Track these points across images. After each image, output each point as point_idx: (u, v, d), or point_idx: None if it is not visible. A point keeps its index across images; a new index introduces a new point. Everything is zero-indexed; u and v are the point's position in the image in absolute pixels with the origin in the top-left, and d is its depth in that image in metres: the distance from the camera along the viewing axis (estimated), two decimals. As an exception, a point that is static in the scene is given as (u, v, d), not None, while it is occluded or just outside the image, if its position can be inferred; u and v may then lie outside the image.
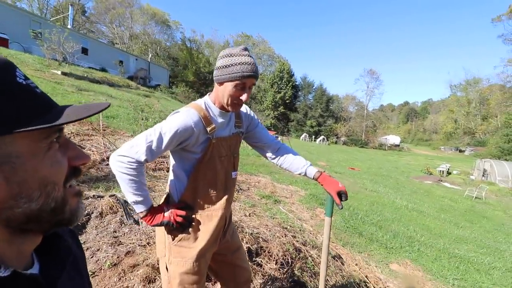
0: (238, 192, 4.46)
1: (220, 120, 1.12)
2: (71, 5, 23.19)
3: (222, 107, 1.11)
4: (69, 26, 19.95)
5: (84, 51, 18.75)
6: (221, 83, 1.06)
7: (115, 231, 2.37)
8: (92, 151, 4.29)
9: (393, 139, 47.73)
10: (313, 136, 39.52)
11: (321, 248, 2.83)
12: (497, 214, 8.65)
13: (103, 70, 19.25)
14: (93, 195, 2.79)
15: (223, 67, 1.03)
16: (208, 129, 1.06)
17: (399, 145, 46.96)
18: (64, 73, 11.57)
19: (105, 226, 2.44)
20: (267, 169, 7.58)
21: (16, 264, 0.35)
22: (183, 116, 1.02)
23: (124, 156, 0.95)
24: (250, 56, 1.04)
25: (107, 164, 3.86)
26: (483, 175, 16.53)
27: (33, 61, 11.91)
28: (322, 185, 1.27)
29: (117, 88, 14.54)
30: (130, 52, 29.37)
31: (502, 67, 40.61)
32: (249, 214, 3.36)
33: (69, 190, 0.40)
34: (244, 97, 1.05)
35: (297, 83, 45.46)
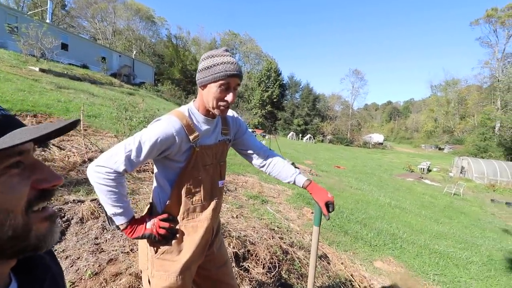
0: (225, 193, 4.43)
1: (204, 127, 1.08)
2: (49, -2, 22.13)
3: (207, 113, 1.08)
4: (47, 21, 19.06)
5: (64, 46, 17.96)
6: (204, 86, 1.02)
7: (96, 238, 2.28)
8: (73, 152, 4.12)
9: (377, 137, 49.09)
10: (300, 135, 39.98)
11: (309, 250, 2.87)
12: (474, 209, 9.09)
13: (84, 67, 18.52)
14: (73, 200, 2.68)
15: (205, 68, 1.01)
16: (191, 137, 1.02)
17: (382, 143, 48.38)
18: (42, 70, 11.05)
19: (86, 232, 2.34)
20: (255, 169, 7.57)
21: None
22: (164, 124, 0.98)
23: (102, 167, 0.91)
24: (232, 57, 1.02)
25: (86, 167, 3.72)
26: (461, 172, 17.33)
27: (8, 56, 11.30)
28: (311, 194, 1.25)
29: (99, 86, 14.04)
30: (113, 48, 28.44)
31: (479, 69, 42.76)
32: (237, 215, 3.34)
33: (36, 215, 0.38)
34: (229, 97, 1.01)
35: (284, 82, 45.79)
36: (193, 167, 1.05)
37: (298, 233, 3.39)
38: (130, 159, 0.93)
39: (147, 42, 40.10)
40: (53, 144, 4.26)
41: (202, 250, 1.13)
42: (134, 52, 30.32)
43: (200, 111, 1.08)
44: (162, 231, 1.02)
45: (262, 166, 1.33)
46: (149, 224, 1.02)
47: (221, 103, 1.02)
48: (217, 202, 1.16)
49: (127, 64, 24.54)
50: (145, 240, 1.07)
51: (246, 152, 1.32)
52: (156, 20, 42.69)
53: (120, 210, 0.95)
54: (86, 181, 3.28)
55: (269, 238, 2.60)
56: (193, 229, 1.09)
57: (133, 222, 1.00)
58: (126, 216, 0.98)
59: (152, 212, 1.10)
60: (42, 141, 0.38)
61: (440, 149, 45.62)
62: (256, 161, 1.32)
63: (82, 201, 2.69)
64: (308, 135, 38.30)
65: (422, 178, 15.26)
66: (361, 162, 18.60)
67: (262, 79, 41.95)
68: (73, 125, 0.38)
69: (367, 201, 6.72)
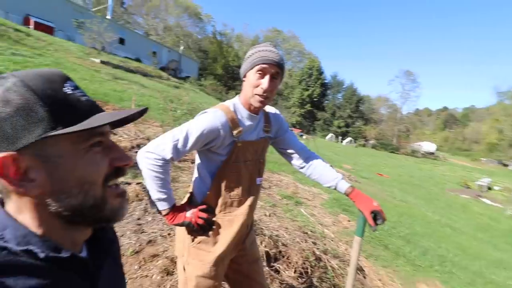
0: (259, 189, 4.42)
1: (247, 123, 1.08)
2: (111, -4, 24.41)
3: (249, 108, 1.08)
4: (108, 17, 21.06)
5: (121, 41, 19.74)
6: (244, 76, 1.05)
7: (139, 219, 2.44)
8: (124, 138, 4.48)
9: (428, 146, 44.57)
10: (340, 137, 38.31)
11: (344, 259, 2.70)
12: (545, 239, 7.74)
13: (137, 60, 20.13)
14: (121, 182, 2.89)
15: (246, 59, 1.04)
16: (235, 132, 1.03)
17: (434, 153, 43.82)
18: (102, 62, 12.28)
19: (130, 213, 2.51)
20: (290, 168, 7.44)
21: (71, 249, 0.40)
22: (210, 117, 1.01)
23: (151, 153, 0.96)
24: (275, 49, 1.02)
25: (136, 152, 4.00)
26: (530, 194, 14.90)
27: (75, 49, 12.77)
28: (354, 202, 1.16)
29: (149, 78, 15.14)
30: (163, 43, 30.38)
31: None
32: (269, 214, 3.29)
33: (111, 190, 0.43)
34: (264, 83, 0.98)
35: (326, 81, 44.22)
36: (234, 162, 1.06)
37: (332, 241, 3.22)
38: (177, 148, 0.97)
39: (193, 38, 42.03)
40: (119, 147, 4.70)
41: (236, 245, 1.14)
42: (182, 47, 31.99)
43: (244, 106, 1.08)
44: (200, 221, 1.03)
45: (302, 167, 1.28)
46: (189, 213, 1.04)
47: (256, 90, 1.00)
48: (253, 199, 1.15)
49: (175, 59, 26.04)
50: (183, 228, 1.09)
51: (286, 152, 1.28)
52: (203, 17, 44.45)
53: (164, 196, 0.99)
54: (133, 166, 3.51)
55: (302, 242, 2.50)
56: (229, 223, 1.10)
57: (175, 209, 1.03)
58: (169, 202, 1.01)
59: (191, 202, 1.12)
60: (116, 125, 0.46)
61: (504, 165, 39.89)
62: (296, 161, 1.28)
63: (129, 183, 2.89)
64: (349, 138, 36.54)
65: (481, 196, 13.48)
66: (408, 172, 17.14)
67: (303, 77, 41.06)
68: (143, 113, 0.45)
69: (413, 215, 6.14)
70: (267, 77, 0.99)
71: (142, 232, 2.26)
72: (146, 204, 2.72)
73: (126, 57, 18.64)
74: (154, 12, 38.66)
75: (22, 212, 0.38)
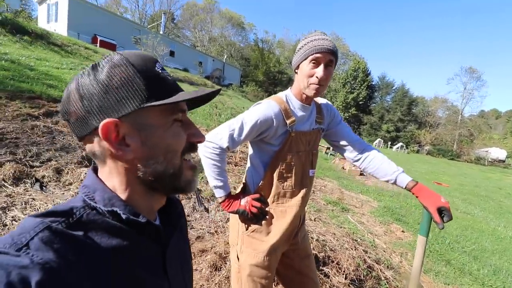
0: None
1: (300, 113, 1.09)
2: (163, 13, 26.85)
3: (302, 99, 1.09)
4: (161, 32, 23.10)
5: (171, 53, 21.45)
6: (297, 67, 1.05)
7: (188, 215, 2.58)
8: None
9: (497, 152, 38.63)
10: (389, 142, 35.58)
11: (398, 271, 2.47)
12: None
13: (185, 70, 21.62)
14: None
15: (298, 50, 1.04)
16: (288, 121, 1.05)
17: (504, 161, 37.84)
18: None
19: (180, 210, 2.68)
20: (335, 173, 7.16)
21: (147, 215, 0.44)
22: (264, 107, 1.03)
23: (209, 142, 1.01)
24: (327, 37, 1.02)
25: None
26: None
27: (134, 63, 14.24)
28: (417, 197, 1.06)
29: (195, 86, 16.12)
30: (208, 53, 32.12)
31: None
32: (314, 218, 3.20)
33: (186, 163, 0.47)
34: (319, 72, 0.98)
35: (373, 83, 41.64)
36: (287, 152, 1.07)
37: (385, 251, 2.98)
38: (233, 137, 1.01)
39: (236, 47, 43.60)
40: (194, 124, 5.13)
41: (288, 236, 1.14)
42: (225, 56, 33.44)
43: (297, 97, 1.09)
44: (254, 210, 1.06)
45: (357, 160, 1.23)
46: (243, 201, 1.08)
47: (311, 80, 1.00)
48: (306, 191, 1.15)
49: (219, 67, 27.30)
50: (237, 217, 1.13)
51: (339, 144, 1.25)
52: (245, 26, 45.93)
53: (220, 184, 1.04)
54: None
55: (351, 249, 2.37)
56: (282, 213, 1.11)
57: (230, 197, 1.08)
58: (225, 190, 1.06)
59: (245, 191, 1.16)
60: (194, 106, 0.52)
61: None
62: (350, 154, 1.23)
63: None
64: (400, 144, 33.67)
65: None
66: (472, 181, 15.07)
67: (348, 79, 39.22)
68: (216, 93, 0.49)
69: (480, 230, 5.36)
70: (321, 66, 0.99)
71: (192, 228, 2.39)
72: (194, 202, 2.87)
73: (175, 68, 20.21)
74: (200, 25, 41.31)
75: (112, 177, 0.43)
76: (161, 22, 25.04)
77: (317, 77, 0.99)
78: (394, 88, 42.52)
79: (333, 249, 2.24)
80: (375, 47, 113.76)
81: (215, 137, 1.01)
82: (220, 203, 1.08)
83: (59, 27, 15.51)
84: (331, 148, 11.09)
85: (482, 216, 6.75)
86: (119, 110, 0.40)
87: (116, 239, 0.39)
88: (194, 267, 1.93)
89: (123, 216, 0.40)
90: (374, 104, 42.30)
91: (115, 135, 0.40)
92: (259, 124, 1.01)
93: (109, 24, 17.20)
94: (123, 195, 0.43)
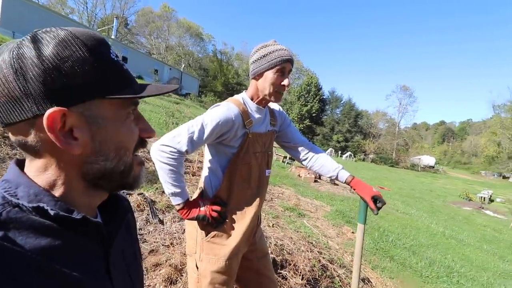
0: (261, 201, 4.37)
1: (257, 115, 1.13)
2: (116, 18, 25.38)
3: (259, 102, 1.13)
4: (112, 37, 21.72)
5: (124, 59, 20.22)
6: (260, 75, 1.07)
7: (140, 229, 2.40)
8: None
9: (427, 159, 44.72)
10: (339, 152, 38.36)
11: (350, 269, 2.63)
12: (553, 251, 7.57)
13: (139, 77, 20.52)
14: (123, 192, 2.87)
15: (260, 58, 1.06)
16: (246, 123, 1.07)
17: (433, 167, 43.89)
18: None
19: (131, 223, 2.48)
20: (291, 181, 7.41)
21: (85, 213, 0.39)
22: (224, 109, 1.04)
23: (166, 146, 0.96)
24: (285, 47, 1.08)
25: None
26: (533, 206, 14.74)
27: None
28: (354, 189, 1.22)
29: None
30: (165, 62, 31.11)
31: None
32: (273, 224, 3.24)
33: (135, 158, 0.44)
34: (285, 82, 1.06)
35: (324, 97, 44.91)
36: (245, 153, 1.08)
37: (337, 251, 3.15)
38: (193, 140, 0.98)
39: (194, 57, 43.14)
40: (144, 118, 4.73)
41: (248, 237, 1.15)
42: (183, 65, 32.75)
43: (253, 100, 1.13)
44: (214, 214, 1.04)
45: (304, 159, 1.32)
46: (203, 207, 1.05)
47: (278, 88, 1.06)
48: (263, 191, 1.18)
49: (176, 76, 26.57)
50: (195, 224, 1.10)
51: (289, 145, 1.33)
52: (204, 37, 45.87)
53: (178, 190, 0.99)
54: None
55: (307, 251, 2.45)
56: (242, 215, 1.11)
57: (189, 203, 1.04)
58: (183, 197, 1.02)
59: (203, 197, 1.13)
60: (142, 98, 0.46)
61: (504, 177, 39.78)
62: (299, 154, 1.32)
63: (130, 194, 2.87)
64: (348, 153, 36.58)
65: (483, 208, 13.33)
66: (409, 185, 17.04)
67: (302, 93, 41.70)
68: (175, 89, 0.45)
69: (417, 227, 6.04)
70: (287, 76, 1.07)
71: (144, 242, 2.22)
72: (148, 214, 2.69)
73: (128, 75, 19.01)
74: (156, 32, 39.94)
75: (46, 171, 0.37)
76: (112, 26, 23.56)
77: (285, 86, 1.06)
78: (342, 102, 46.49)
79: (290, 252, 2.29)
80: (325, 64, 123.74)
81: (172, 141, 0.96)
82: (178, 210, 1.04)
83: (-13, 23, 13.49)
84: (288, 156, 11.55)
85: (418, 215, 7.65)
86: (68, 98, 0.34)
87: (45, 239, 0.34)
88: (146, 283, 1.78)
89: (51, 213, 0.34)
90: (325, 116, 45.50)
91: (60, 126, 0.34)
92: (220, 125, 1.00)
93: (51, 25, 15.35)
94: (57, 191, 0.38)
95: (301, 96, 41.76)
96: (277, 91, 1.07)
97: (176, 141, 0.96)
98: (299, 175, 8.57)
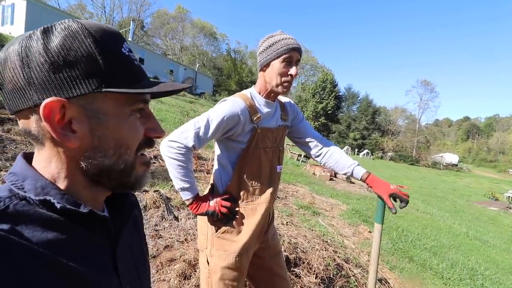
0: (275, 200, 4.36)
1: (265, 110, 1.11)
2: (132, 20, 26.10)
3: (267, 96, 1.10)
4: (129, 39, 22.37)
5: (141, 61, 20.79)
6: (267, 65, 1.05)
7: (156, 225, 2.46)
8: (142, 150, 4.62)
9: (450, 157, 42.73)
10: (356, 150, 37.47)
11: (367, 269, 2.57)
12: None
13: (155, 78, 21.00)
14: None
15: (266, 48, 1.04)
16: (254, 118, 1.05)
17: (457, 165, 41.90)
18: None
19: (147, 219, 2.55)
20: (306, 179, 7.33)
21: (91, 207, 0.38)
22: (230, 104, 1.03)
23: (174, 142, 0.98)
24: (291, 36, 1.05)
25: (154, 162, 4.10)
26: None
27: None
28: (371, 187, 1.17)
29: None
30: (180, 62, 31.67)
31: None
32: (286, 222, 3.22)
33: (140, 158, 0.43)
34: (292, 70, 1.03)
35: (340, 94, 43.97)
36: (254, 149, 1.07)
37: (353, 251, 3.08)
38: (199, 135, 0.98)
39: (208, 56, 43.60)
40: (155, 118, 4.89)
41: (259, 234, 1.13)
42: (197, 65, 33.20)
43: (262, 94, 1.11)
44: (224, 210, 1.04)
45: (318, 156, 1.28)
46: (212, 202, 1.05)
47: (284, 79, 1.03)
48: (275, 186, 1.16)
49: (191, 76, 26.98)
50: (205, 220, 1.10)
51: (302, 141, 1.30)
52: (218, 36, 46.24)
53: (187, 185, 1.00)
54: (151, 175, 3.62)
55: (322, 250, 2.42)
56: (252, 211, 1.10)
57: (198, 198, 1.05)
58: (192, 192, 1.03)
59: (213, 192, 1.13)
60: (157, 96, 0.46)
61: (536, 176, 37.28)
62: (312, 150, 1.29)
63: (147, 191, 2.95)
64: (366, 151, 35.64)
65: (510, 208, 12.58)
66: (430, 184, 16.39)
67: (317, 90, 41.00)
68: (186, 89, 0.45)
69: (438, 228, 5.80)
70: (294, 65, 1.03)
71: (160, 238, 2.28)
72: (163, 211, 2.75)
73: (145, 76, 19.57)
74: (171, 33, 40.75)
75: (50, 163, 0.37)
76: (129, 29, 24.27)
77: (291, 75, 1.03)
78: (359, 98, 45.27)
79: (304, 250, 2.27)
80: (341, 60, 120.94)
81: (180, 136, 0.98)
82: (187, 205, 1.05)
83: (15, 30, 14.27)
84: (303, 155, 11.43)
85: (440, 215, 7.34)
86: (69, 89, 0.34)
87: (52, 233, 0.33)
88: (161, 278, 1.83)
89: (58, 206, 0.34)
90: (341, 114, 44.54)
91: (59, 117, 0.34)
92: (225, 121, 0.99)
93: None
94: (62, 184, 0.37)
95: (316, 93, 41.08)
96: (285, 81, 1.04)
97: (183, 136, 0.97)
98: (314, 173, 8.46)
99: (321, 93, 40.83)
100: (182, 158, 0.97)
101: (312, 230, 3.28)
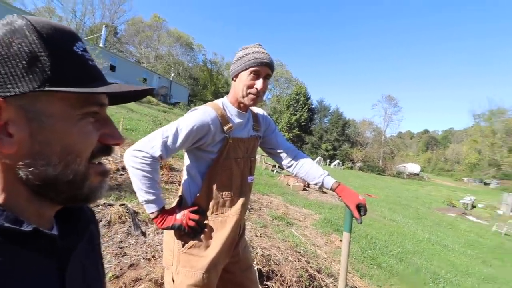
0: (249, 211, 4.32)
1: (237, 120, 1.09)
2: (105, 26, 25.20)
3: (239, 106, 1.09)
4: (101, 45, 21.48)
5: (112, 68, 19.99)
6: (236, 76, 1.05)
7: (121, 241, 2.30)
8: (108, 160, 4.36)
9: (412, 167, 45.89)
10: (328, 160, 38.79)
11: (338, 278, 2.60)
12: (533, 255, 7.82)
13: (127, 86, 20.27)
14: (103, 203, 2.76)
15: (238, 59, 1.04)
16: (225, 127, 1.03)
17: (418, 174, 45.01)
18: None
19: (111, 235, 2.37)
20: (280, 189, 7.38)
21: (37, 224, 0.34)
22: (201, 113, 1.00)
23: (139, 151, 0.92)
24: (265, 50, 1.05)
25: (122, 174, 3.88)
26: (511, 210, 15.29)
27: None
28: (340, 196, 1.19)
29: (138, 103, 15.16)
30: (155, 71, 30.93)
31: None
32: (260, 234, 3.19)
33: (95, 167, 0.39)
34: (259, 84, 1.01)
35: (313, 106, 45.62)
36: (225, 159, 1.04)
37: (325, 260, 3.13)
38: (167, 145, 0.94)
39: (184, 66, 43.10)
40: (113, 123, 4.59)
41: (229, 248, 1.09)
42: (172, 74, 32.63)
43: (233, 104, 1.10)
44: (192, 223, 0.99)
45: (290, 166, 1.30)
46: (179, 215, 1.00)
47: (250, 91, 1.03)
48: (246, 198, 1.13)
49: (165, 85, 26.42)
50: (172, 235, 1.04)
51: (274, 151, 1.31)
52: (194, 47, 46.03)
53: (152, 197, 0.95)
54: (117, 187, 3.40)
55: (295, 261, 2.42)
56: (222, 224, 1.06)
57: (164, 211, 0.99)
58: (158, 204, 0.97)
59: (181, 205, 1.09)
60: (116, 102, 0.43)
61: (485, 183, 41.23)
62: (284, 160, 1.30)
63: (112, 205, 2.76)
64: (337, 161, 37.01)
65: (466, 214, 13.71)
66: (395, 193, 17.34)
67: (291, 102, 42.25)
68: (147, 93, 0.42)
69: (403, 234, 6.12)
70: (261, 79, 1.02)
71: (124, 255, 2.12)
72: (130, 226, 2.59)
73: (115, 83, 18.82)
74: (146, 42, 39.79)
75: None
76: (101, 35, 23.32)
77: (256, 89, 1.02)
78: (330, 111, 47.27)
79: (277, 262, 2.25)
80: (313, 74, 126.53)
81: (146, 145, 0.93)
82: (152, 219, 0.99)
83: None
84: (277, 165, 11.55)
85: (404, 222, 7.76)
86: (6, 87, 0.31)
87: None
88: (125, 300, 1.69)
89: None
90: (314, 125, 46.07)
91: None
92: (195, 130, 0.96)
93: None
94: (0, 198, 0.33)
95: (290, 105, 42.28)
96: (250, 93, 1.02)
97: (150, 145, 0.93)
98: (287, 184, 8.56)
99: (295, 105, 42.10)
100: (147, 169, 0.92)
101: (285, 241, 3.28)
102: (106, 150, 0.40)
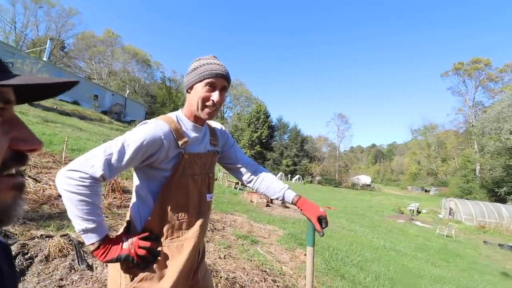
0: (212, 232, 4.12)
1: (193, 134, 1.00)
2: (50, 39, 23.16)
3: (195, 120, 1.02)
4: (44, 59, 19.61)
5: (57, 83, 18.25)
6: (190, 88, 0.99)
7: (61, 279, 1.97)
8: (49, 185, 3.82)
9: (365, 179, 49.62)
10: (289, 175, 39.82)
11: (304, 294, 2.58)
12: (469, 252, 8.84)
13: (75, 103, 18.63)
14: (41, 235, 2.38)
15: (192, 70, 0.98)
16: (180, 142, 0.93)
17: (370, 185, 48.70)
18: (30, 104, 10.95)
19: (50, 272, 2.03)
20: (244, 207, 7.27)
21: None
22: (151, 126, 0.89)
23: (75, 171, 0.77)
24: (221, 62, 1.01)
25: (65, 200, 3.43)
26: (449, 214, 17.31)
27: (-3, 90, 11.23)
28: (301, 210, 1.16)
29: (88, 122, 13.94)
30: (108, 87, 29.06)
31: (453, 115, 45.70)
32: (224, 256, 3.04)
33: (6, 180, 0.32)
34: (215, 96, 0.95)
35: (273, 124, 47.17)
36: (180, 176, 0.94)
37: (291, 277, 3.08)
38: (110, 163, 0.81)
39: (141, 83, 41.42)
40: (29, 176, 3.97)
41: (187, 276, 0.96)
42: (128, 91, 30.99)
43: (188, 118, 1.02)
44: (141, 252, 0.85)
45: (250, 181, 1.24)
46: (126, 244, 0.85)
47: (207, 103, 0.96)
48: (205, 218, 1.03)
49: (119, 102, 24.88)
50: (118, 268, 0.89)
51: (233, 167, 1.24)
52: (152, 64, 44.80)
53: (92, 226, 0.79)
54: (58, 216, 2.98)
55: (261, 281, 2.33)
56: (178, 249, 0.94)
57: (107, 241, 0.84)
58: (99, 233, 0.81)
59: (129, 231, 0.94)
60: (29, 99, 0.34)
61: (426, 191, 46.26)
62: (244, 176, 1.24)
63: (51, 237, 2.38)
64: (297, 176, 38.20)
65: (413, 219, 15.07)
66: (351, 203, 18.40)
67: (252, 120, 43.18)
68: (72, 84, 0.35)
69: (361, 243, 6.42)
70: (217, 91, 0.96)
71: (66, 296, 1.82)
72: (73, 259, 2.25)
73: (62, 100, 17.17)
74: (98, 57, 37.45)
75: None
76: (45, 48, 21.29)
77: (213, 101, 0.95)
78: (289, 128, 49.37)
79: (243, 285, 2.14)
80: (272, 93, 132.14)
81: (84, 165, 0.78)
82: (92, 251, 0.82)
83: None
84: (240, 183, 11.44)
85: (362, 231, 8.19)
86: None
87: None
88: None
89: None
90: (275, 142, 47.43)
91: None
92: (145, 145, 0.85)
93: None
94: None
95: (251, 123, 43.12)
96: (207, 106, 0.96)
97: (88, 165, 0.78)
98: (251, 201, 8.48)
99: (255, 123, 43.07)
100: (85, 191, 0.77)
101: (251, 260, 3.17)
102: (20, 158, 0.33)
